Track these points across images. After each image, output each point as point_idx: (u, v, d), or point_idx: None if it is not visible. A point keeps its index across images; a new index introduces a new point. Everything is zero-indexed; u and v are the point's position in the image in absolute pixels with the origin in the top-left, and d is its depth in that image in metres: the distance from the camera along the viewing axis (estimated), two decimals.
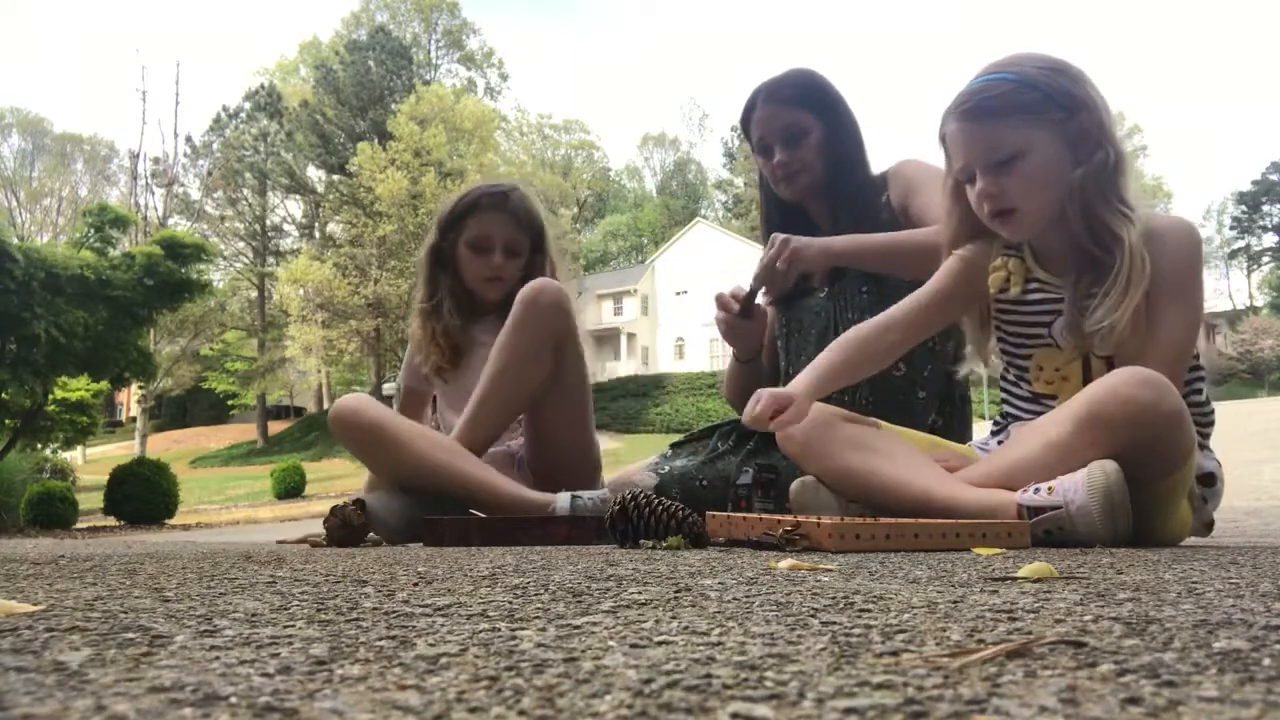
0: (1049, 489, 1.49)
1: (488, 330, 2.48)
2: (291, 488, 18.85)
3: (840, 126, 2.31)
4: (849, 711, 0.39)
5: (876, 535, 1.41)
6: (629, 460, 2.98)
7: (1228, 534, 2.51)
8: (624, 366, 42.45)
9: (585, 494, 2.05)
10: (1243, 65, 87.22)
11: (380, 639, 0.59)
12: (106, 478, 11.97)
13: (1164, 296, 1.63)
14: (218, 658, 0.53)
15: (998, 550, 1.37)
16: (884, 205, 2.30)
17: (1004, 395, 1.87)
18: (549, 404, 2.24)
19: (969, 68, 1.79)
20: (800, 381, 1.75)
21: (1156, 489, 1.51)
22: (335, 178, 37.66)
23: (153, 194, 34.32)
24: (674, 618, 0.68)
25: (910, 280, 1.94)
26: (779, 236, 2.15)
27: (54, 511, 10.51)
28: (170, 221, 33.10)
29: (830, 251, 2.13)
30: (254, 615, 0.72)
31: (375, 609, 0.75)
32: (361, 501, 2.00)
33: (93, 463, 29.28)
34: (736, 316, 2.34)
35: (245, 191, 39.82)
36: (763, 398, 1.70)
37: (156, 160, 34.59)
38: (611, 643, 0.57)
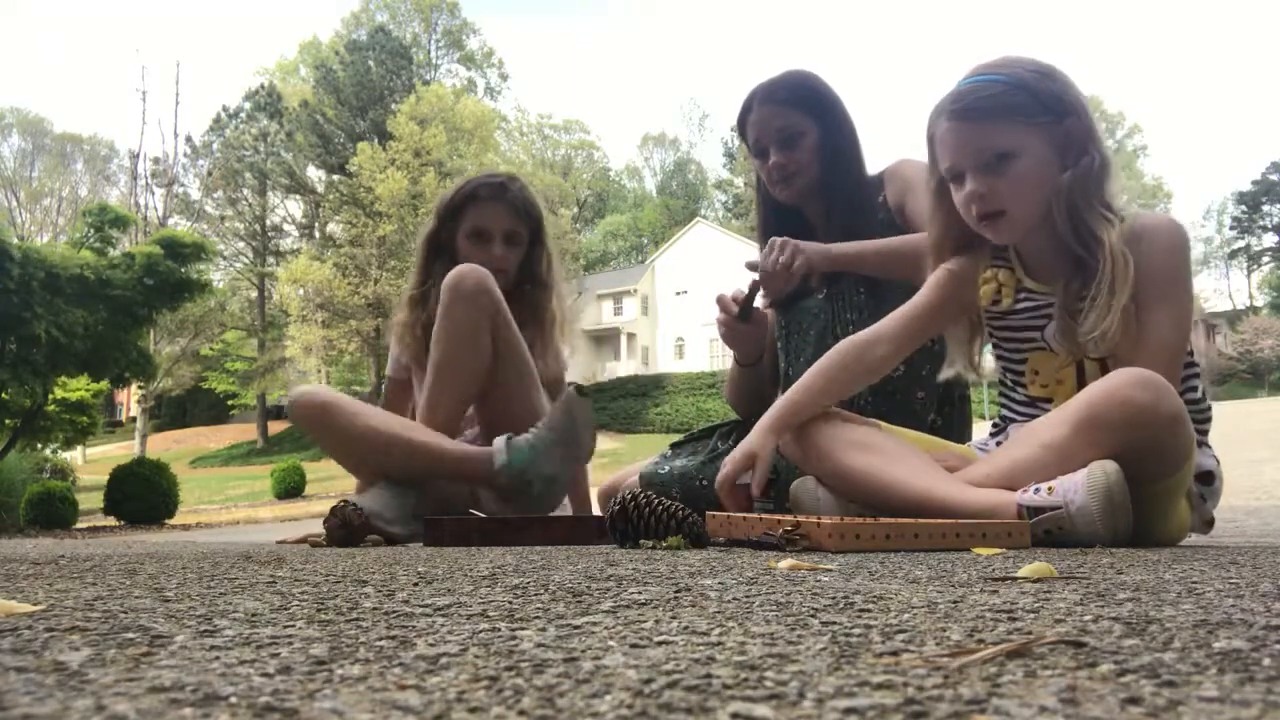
0: (1049, 489, 1.49)
1: None
2: (291, 488, 18.86)
3: (836, 128, 2.31)
4: (849, 711, 0.39)
5: (876, 535, 1.41)
6: (629, 460, 2.98)
7: (1228, 534, 2.51)
8: (624, 366, 42.44)
9: (519, 436, 2.08)
10: (1243, 65, 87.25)
11: (380, 639, 0.59)
12: (106, 478, 11.97)
13: (1153, 295, 1.63)
14: (218, 658, 0.53)
15: (998, 550, 1.37)
16: (880, 205, 2.30)
17: (1001, 400, 1.88)
18: (495, 384, 2.26)
19: (967, 66, 1.80)
20: (767, 419, 1.76)
21: (1156, 489, 1.51)
22: (335, 178, 37.66)
23: (153, 194, 34.35)
24: (674, 618, 0.68)
25: (906, 283, 1.95)
26: (777, 240, 2.16)
27: (54, 511, 10.51)
28: (170, 221, 33.11)
29: (830, 255, 2.14)
30: (254, 615, 0.72)
31: (375, 609, 0.75)
32: (355, 504, 2.00)
33: (93, 463, 29.29)
34: (735, 319, 2.35)
35: (245, 191, 39.81)
36: (726, 464, 1.73)
37: (156, 160, 34.61)
38: (611, 643, 0.57)
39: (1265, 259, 54.48)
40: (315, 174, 39.95)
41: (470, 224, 2.49)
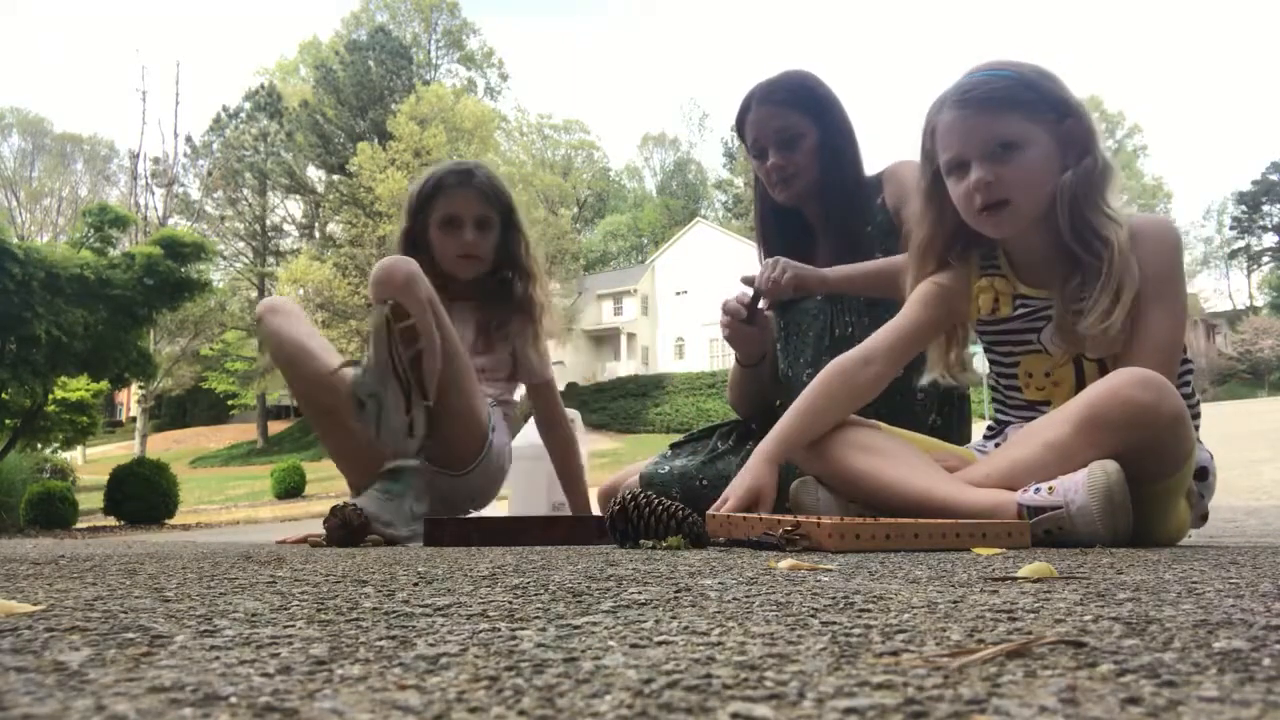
0: (1049, 489, 1.49)
1: (465, 317, 2.47)
2: (291, 488, 18.85)
3: (835, 129, 2.31)
4: (849, 711, 0.39)
5: (876, 535, 1.41)
6: (629, 460, 2.99)
7: (1228, 534, 2.51)
8: (624, 366, 42.44)
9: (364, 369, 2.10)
10: (1243, 65, 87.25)
11: (380, 639, 0.59)
12: (106, 478, 11.97)
13: (1149, 296, 1.64)
14: (218, 658, 0.53)
15: (998, 550, 1.37)
16: (879, 207, 2.30)
17: (996, 405, 1.88)
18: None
19: (966, 66, 1.80)
20: (765, 448, 1.74)
21: (1157, 489, 1.51)
22: (335, 178, 37.65)
23: (153, 194, 34.33)
24: (674, 618, 0.68)
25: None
26: (770, 259, 2.17)
27: (54, 511, 10.50)
28: (170, 221, 33.09)
29: (828, 281, 2.15)
30: (254, 615, 0.72)
31: (375, 609, 0.75)
32: (355, 505, 2.00)
33: (93, 463, 29.28)
34: (741, 322, 2.35)
35: (245, 191, 39.81)
36: (729, 495, 1.69)
37: (156, 160, 34.58)
38: (611, 643, 0.57)
39: (1265, 259, 54.49)
40: (315, 174, 39.95)
41: (439, 213, 2.47)
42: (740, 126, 2.39)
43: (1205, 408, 1.89)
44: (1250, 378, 38.72)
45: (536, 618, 0.69)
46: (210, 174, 39.09)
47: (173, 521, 11.58)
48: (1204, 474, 1.73)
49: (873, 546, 1.40)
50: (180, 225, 32.84)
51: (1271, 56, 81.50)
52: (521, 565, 1.17)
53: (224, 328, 37.15)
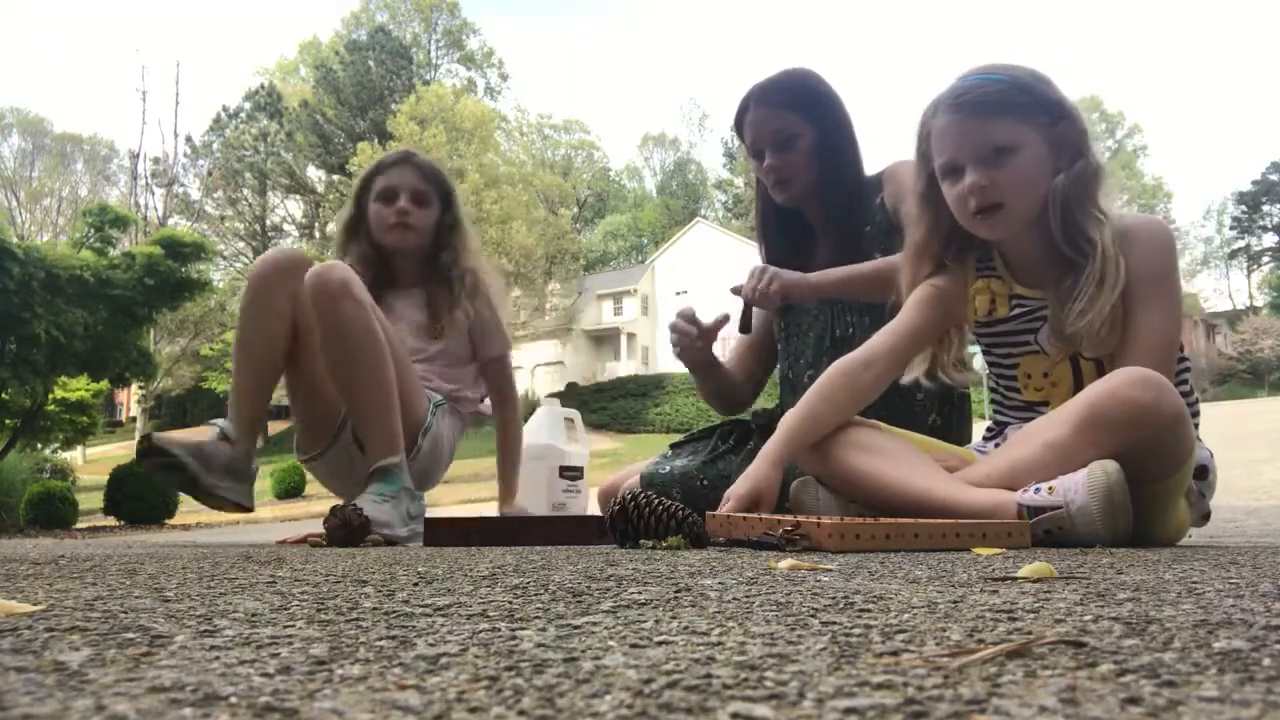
0: (1049, 489, 1.49)
1: (412, 304, 2.48)
2: (291, 488, 18.84)
3: (834, 126, 2.30)
4: (849, 711, 0.39)
5: (876, 535, 1.41)
6: (629, 460, 3.00)
7: (1228, 534, 2.51)
8: (624, 366, 42.41)
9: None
10: (1243, 65, 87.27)
11: (380, 639, 0.59)
12: (106, 478, 11.97)
13: (1143, 295, 1.64)
14: (218, 658, 0.53)
15: (998, 550, 1.37)
16: (878, 207, 2.29)
17: (994, 406, 1.88)
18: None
19: (966, 66, 1.80)
20: (768, 452, 1.73)
21: (1156, 489, 1.51)
22: (335, 178, 37.66)
23: (153, 194, 34.36)
24: (674, 618, 0.68)
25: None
26: (757, 267, 2.17)
27: (54, 511, 10.51)
28: (170, 221, 33.11)
29: (812, 285, 2.14)
30: (254, 615, 0.72)
31: (375, 609, 0.75)
32: (355, 505, 2.00)
33: (93, 463, 29.27)
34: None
35: (245, 191, 39.82)
36: (730, 497, 1.69)
37: (156, 160, 34.62)
38: (611, 643, 0.57)
39: (1265, 259, 54.47)
40: (315, 174, 39.97)
41: (377, 189, 2.51)
42: (739, 126, 2.39)
43: (1205, 408, 1.90)
44: (1250, 378, 38.72)
45: (536, 618, 0.69)
46: (210, 174, 39.10)
47: (173, 521, 11.59)
48: (1204, 472, 1.73)
49: (873, 546, 1.40)
50: (180, 225, 32.85)
51: (1271, 56, 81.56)
52: (521, 565, 1.17)
53: (224, 328, 37.14)
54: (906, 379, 1.90)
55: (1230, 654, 0.50)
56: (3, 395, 9.61)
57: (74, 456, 23.29)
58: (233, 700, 0.42)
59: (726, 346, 2.59)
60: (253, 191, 40.07)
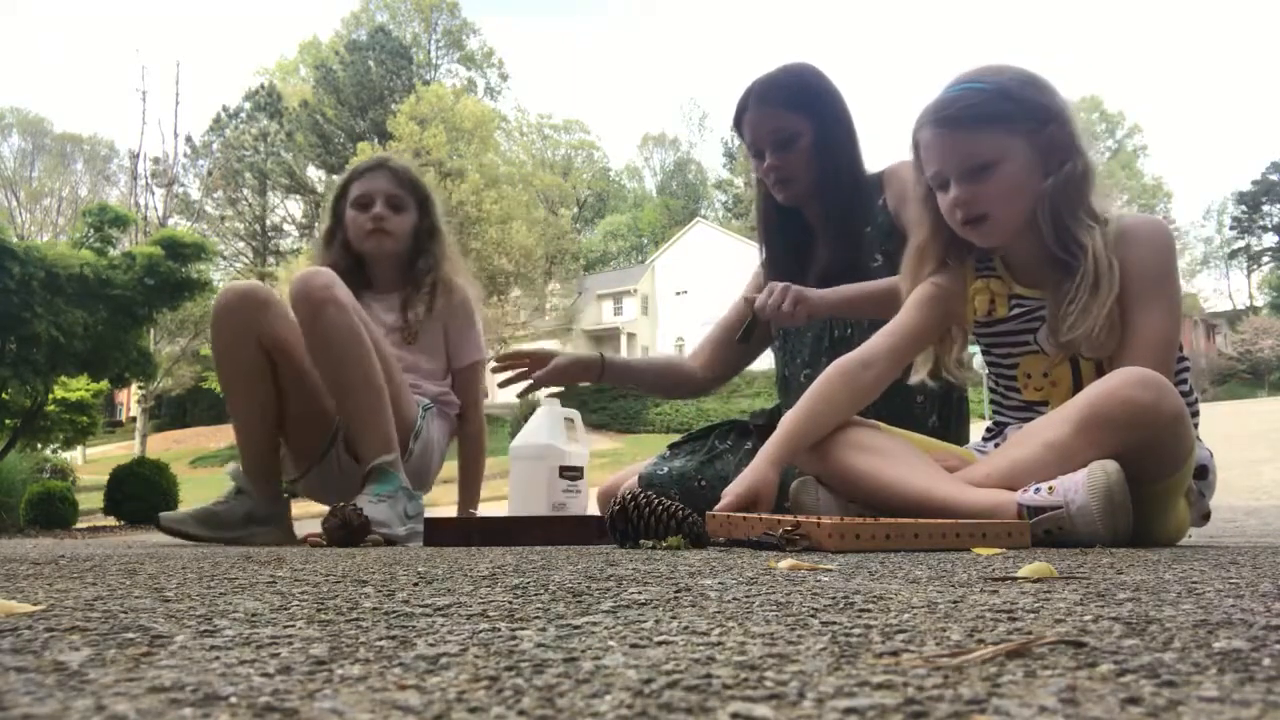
0: (1049, 489, 1.49)
1: (390, 308, 2.48)
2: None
3: (833, 122, 2.29)
4: (849, 711, 0.39)
5: (876, 535, 1.41)
6: (629, 460, 3.00)
7: (1228, 534, 2.51)
8: None
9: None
10: (1243, 65, 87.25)
11: (380, 639, 0.59)
12: (106, 478, 11.96)
13: (1142, 294, 1.65)
14: (218, 658, 0.53)
15: (998, 550, 1.37)
16: (880, 209, 2.29)
17: (994, 406, 1.88)
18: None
19: (965, 67, 1.80)
20: (768, 452, 1.73)
21: (1156, 489, 1.52)
22: (335, 178, 37.62)
23: (153, 194, 34.29)
24: (674, 618, 0.68)
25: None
26: (779, 285, 2.13)
27: (54, 511, 10.49)
28: (170, 221, 33.05)
29: (828, 302, 2.13)
30: (254, 615, 0.72)
31: (375, 609, 0.75)
32: (355, 505, 2.00)
33: (93, 463, 29.27)
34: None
35: (245, 191, 39.82)
36: (728, 495, 1.68)
37: (156, 160, 34.55)
38: (611, 643, 0.57)
39: (1265, 259, 54.46)
40: (315, 174, 39.96)
41: (353, 195, 2.51)
42: (738, 124, 2.39)
43: (1205, 408, 1.90)
44: (1250, 378, 38.71)
45: (536, 618, 0.69)
46: (210, 174, 39.09)
47: None
48: (1204, 472, 1.73)
49: (873, 546, 1.40)
50: (180, 225, 32.87)
51: (1271, 56, 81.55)
52: (521, 565, 1.17)
53: None
54: (912, 380, 1.90)
55: (1230, 654, 0.50)
56: (3, 395, 9.61)
57: (74, 456, 23.28)
58: (233, 700, 0.42)
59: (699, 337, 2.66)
60: (253, 191, 40.08)
